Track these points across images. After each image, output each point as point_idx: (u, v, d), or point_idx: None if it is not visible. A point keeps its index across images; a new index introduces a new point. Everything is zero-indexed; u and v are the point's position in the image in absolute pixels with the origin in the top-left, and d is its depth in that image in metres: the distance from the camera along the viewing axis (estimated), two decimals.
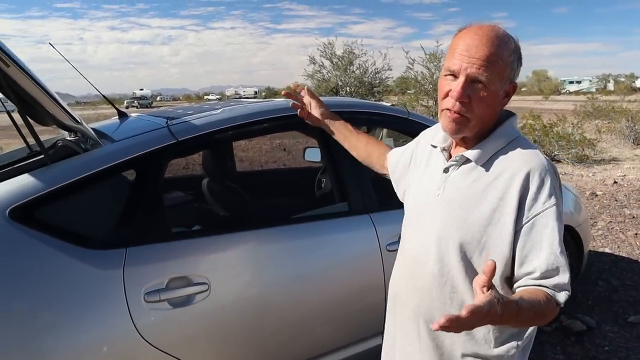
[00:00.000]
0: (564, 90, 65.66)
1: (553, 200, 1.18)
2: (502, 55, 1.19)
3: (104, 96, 2.66)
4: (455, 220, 1.26)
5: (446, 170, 1.33)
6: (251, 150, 10.94)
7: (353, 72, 15.19)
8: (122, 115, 2.57)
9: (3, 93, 1.82)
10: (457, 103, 1.20)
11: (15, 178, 1.79)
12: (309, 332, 2.21)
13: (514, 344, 1.28)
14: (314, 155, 3.77)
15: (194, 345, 1.90)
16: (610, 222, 5.92)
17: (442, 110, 1.26)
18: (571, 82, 70.20)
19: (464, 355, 1.30)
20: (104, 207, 1.95)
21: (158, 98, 77.54)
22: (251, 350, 2.06)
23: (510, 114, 1.33)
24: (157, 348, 1.80)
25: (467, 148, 1.30)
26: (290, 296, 2.13)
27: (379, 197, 2.40)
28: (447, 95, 1.23)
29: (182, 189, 3.36)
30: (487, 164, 1.26)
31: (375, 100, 13.31)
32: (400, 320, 1.44)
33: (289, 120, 2.33)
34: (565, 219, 3.41)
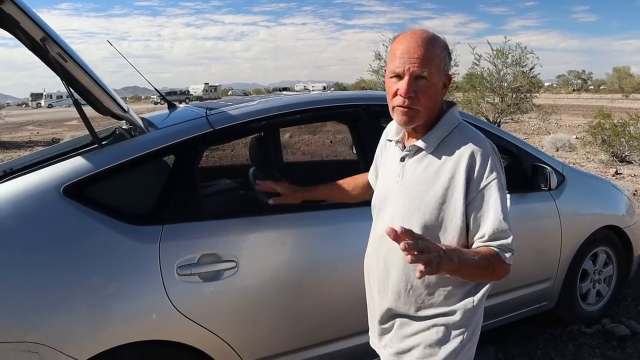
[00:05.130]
0: None
1: (494, 174, 1.40)
2: (436, 52, 1.40)
3: (156, 89, 2.91)
4: (414, 201, 1.46)
5: (402, 159, 1.53)
6: (314, 145, 11.23)
7: None
8: (172, 106, 2.79)
9: (66, 86, 2.05)
10: (406, 99, 1.40)
11: (69, 160, 2.03)
12: (334, 314, 2.32)
13: (470, 300, 1.48)
14: None
15: (220, 318, 2.06)
16: None
17: (393, 107, 1.45)
18: None
19: (428, 316, 1.50)
20: (144, 188, 2.14)
21: (229, 92, 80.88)
22: (276, 327, 2.21)
23: (451, 104, 1.55)
24: (187, 317, 1.97)
25: (418, 138, 1.50)
26: (315, 279, 2.26)
27: None
28: (395, 94, 1.42)
29: (232, 176, 3.56)
30: (436, 151, 1.47)
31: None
32: (376, 288, 1.63)
33: (321, 112, 2.46)
34: (613, 220, 3.31)
